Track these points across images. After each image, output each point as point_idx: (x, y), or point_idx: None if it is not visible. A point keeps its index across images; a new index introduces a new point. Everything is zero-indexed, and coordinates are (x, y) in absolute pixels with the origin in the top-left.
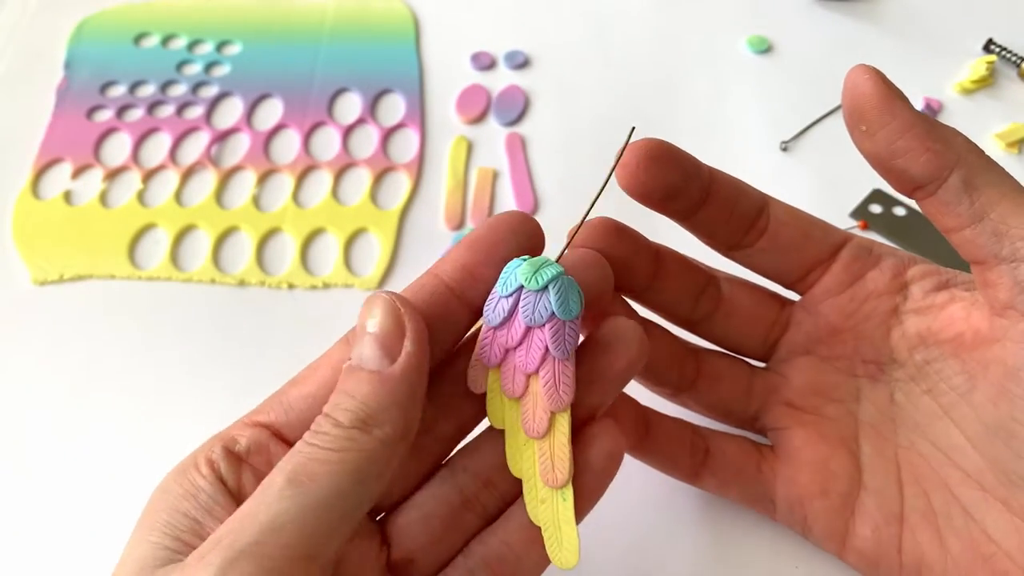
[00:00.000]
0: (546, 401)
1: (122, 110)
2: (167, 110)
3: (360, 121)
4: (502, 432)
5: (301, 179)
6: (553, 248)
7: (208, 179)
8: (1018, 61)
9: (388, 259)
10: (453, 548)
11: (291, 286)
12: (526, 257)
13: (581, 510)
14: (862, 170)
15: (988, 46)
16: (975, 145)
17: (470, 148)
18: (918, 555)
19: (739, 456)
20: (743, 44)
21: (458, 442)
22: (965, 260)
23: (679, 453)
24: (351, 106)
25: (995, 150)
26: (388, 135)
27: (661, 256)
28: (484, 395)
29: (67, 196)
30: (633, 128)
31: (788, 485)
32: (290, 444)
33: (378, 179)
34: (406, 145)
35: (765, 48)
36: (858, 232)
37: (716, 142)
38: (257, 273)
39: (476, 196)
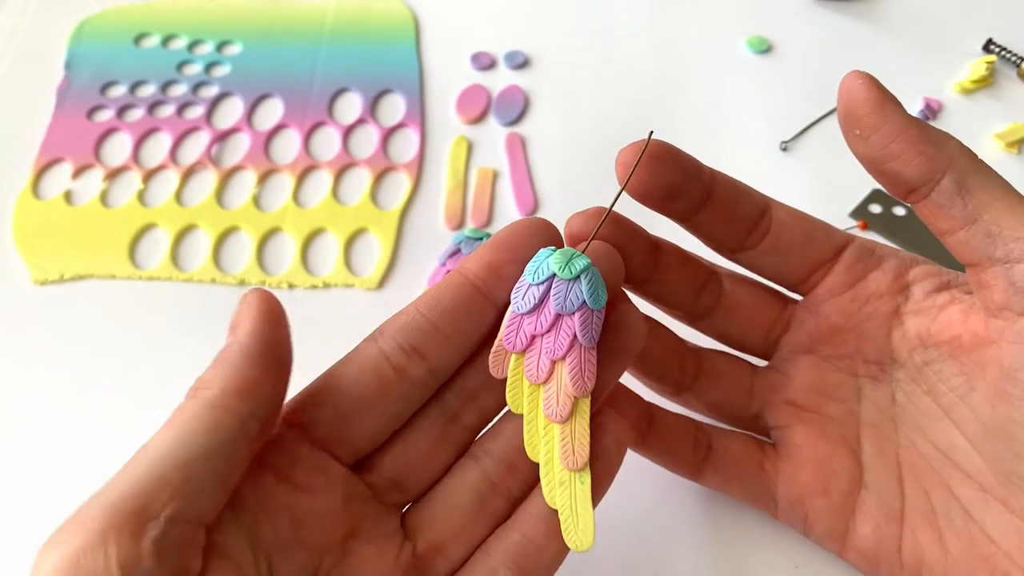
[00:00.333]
0: (571, 387)
1: (122, 110)
2: (167, 110)
3: (360, 121)
4: (521, 418)
5: (301, 179)
6: None
7: (208, 179)
8: (1018, 61)
9: (388, 259)
10: (481, 535)
11: (291, 286)
12: (552, 248)
13: (596, 494)
14: (862, 170)
15: (988, 46)
16: (967, 148)
17: (470, 148)
18: (918, 554)
19: (742, 453)
20: (743, 44)
21: (480, 430)
22: (960, 263)
23: (682, 449)
24: (351, 106)
25: (995, 150)
26: (388, 135)
27: (661, 248)
28: (504, 383)
29: (67, 196)
30: (652, 132)
31: (789, 483)
32: (318, 441)
33: (378, 179)
34: (406, 145)
35: (765, 48)
36: (858, 232)
37: (716, 142)
38: (257, 273)
39: (476, 196)
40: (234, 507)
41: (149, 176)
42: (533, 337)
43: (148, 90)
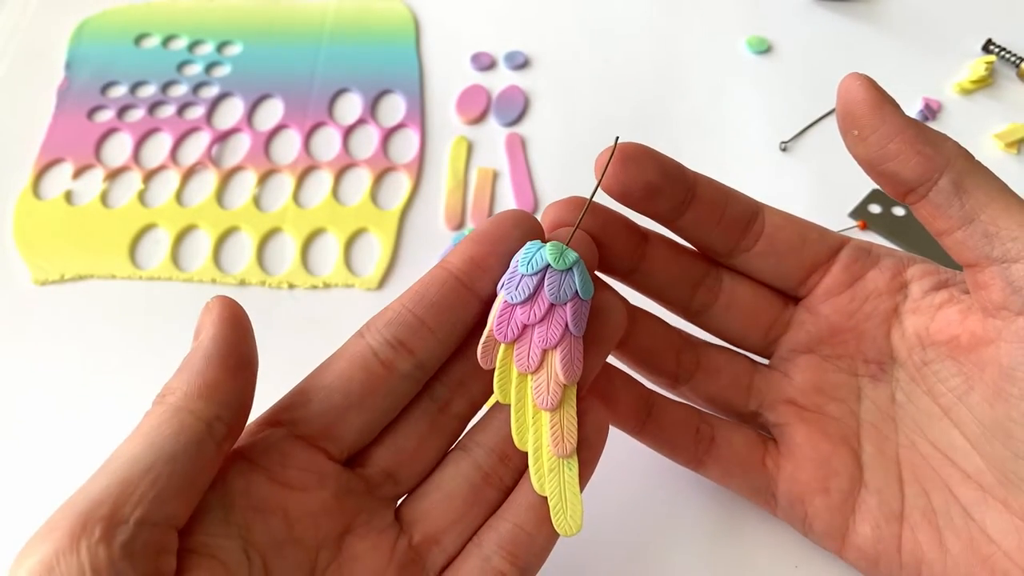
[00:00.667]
0: (563, 375)
1: (123, 110)
2: (168, 110)
3: (360, 121)
4: (508, 408)
5: (301, 179)
6: None
7: (209, 179)
8: (1017, 61)
9: (388, 259)
10: (475, 525)
11: (291, 286)
12: (539, 241)
13: (582, 480)
14: (861, 170)
15: (987, 46)
16: (964, 149)
17: (470, 148)
18: (918, 554)
19: (744, 447)
20: (743, 44)
21: (469, 419)
22: (958, 263)
23: (683, 438)
24: (351, 106)
25: (994, 150)
26: (388, 135)
27: (648, 239)
28: (491, 372)
29: (68, 196)
30: (617, 138)
31: (790, 481)
32: (308, 438)
33: (378, 179)
34: (406, 145)
35: (765, 48)
36: (856, 233)
37: (716, 142)
38: (258, 273)
39: (476, 196)
40: (224, 508)
41: (149, 176)
42: (525, 327)
43: (148, 90)
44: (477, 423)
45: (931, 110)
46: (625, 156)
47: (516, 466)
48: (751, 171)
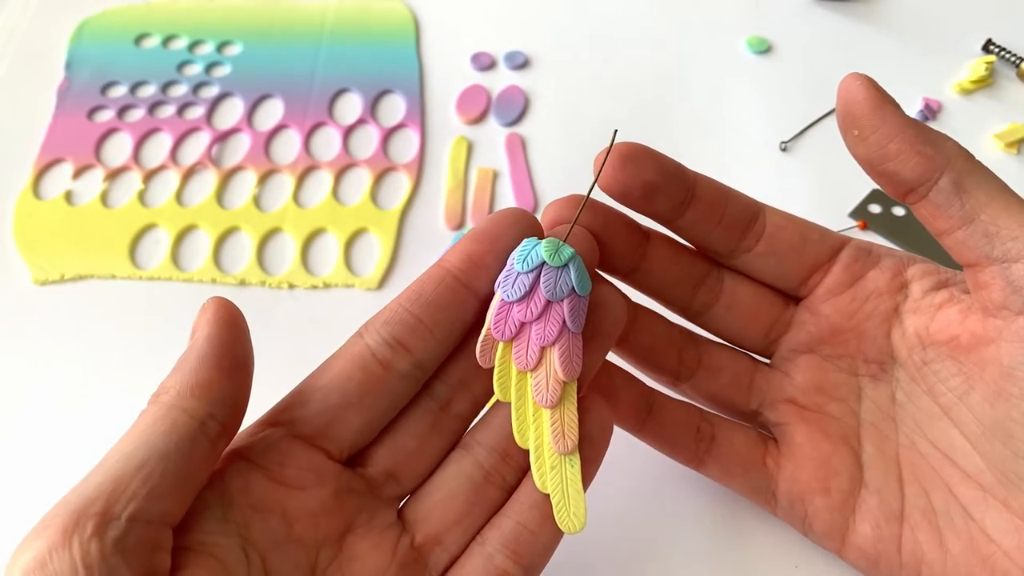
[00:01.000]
0: (561, 372)
1: (123, 110)
2: (168, 110)
3: (360, 121)
4: (509, 406)
5: (301, 179)
6: None
7: (209, 179)
8: (1017, 61)
9: (388, 259)
10: (478, 524)
11: (291, 286)
12: (535, 239)
13: (586, 478)
14: (861, 170)
15: (987, 46)
16: (964, 149)
17: (470, 148)
18: (918, 554)
19: (745, 446)
20: (743, 44)
21: (472, 419)
22: (958, 263)
23: (684, 437)
24: (351, 106)
25: (994, 150)
26: (388, 135)
27: (651, 238)
28: (491, 371)
29: (68, 196)
30: (616, 131)
31: (790, 481)
32: (307, 437)
33: (378, 179)
34: (406, 145)
35: (765, 48)
36: (857, 233)
37: (716, 142)
38: (258, 273)
39: (476, 196)
40: (223, 507)
41: (149, 176)
42: (522, 325)
43: (148, 90)
44: (478, 422)
45: (931, 110)
46: (625, 156)
47: (518, 464)
48: (751, 171)
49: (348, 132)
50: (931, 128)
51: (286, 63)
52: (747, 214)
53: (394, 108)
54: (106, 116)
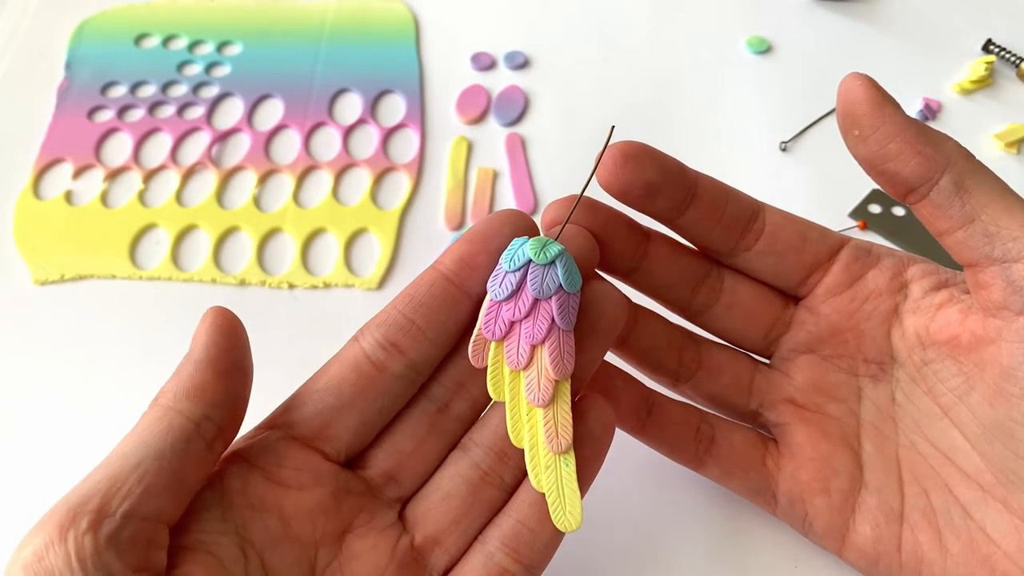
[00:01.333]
0: (552, 370)
1: (123, 110)
2: (168, 110)
3: (360, 121)
4: (504, 406)
5: (302, 179)
6: None
7: (209, 179)
8: (1017, 61)
9: (388, 259)
10: (477, 524)
11: (291, 286)
12: (525, 237)
13: (586, 478)
14: (861, 170)
15: (987, 46)
16: (965, 149)
17: (470, 148)
18: (918, 554)
19: (745, 447)
20: (743, 44)
21: (471, 420)
22: (958, 263)
23: (683, 438)
24: (351, 106)
25: (994, 150)
26: (388, 135)
27: (651, 238)
28: (485, 371)
29: (68, 196)
30: (613, 127)
31: (790, 481)
32: (304, 439)
33: (378, 179)
34: (406, 145)
35: (765, 48)
36: (857, 233)
37: (716, 142)
38: (258, 273)
39: (476, 196)
40: (222, 507)
41: (149, 176)
42: (512, 324)
43: (148, 90)
44: (475, 423)
45: (931, 110)
46: (626, 155)
47: (516, 464)
48: (751, 171)
49: (348, 132)
50: (932, 128)
51: (286, 63)
52: (747, 213)
53: (394, 108)
54: (106, 116)
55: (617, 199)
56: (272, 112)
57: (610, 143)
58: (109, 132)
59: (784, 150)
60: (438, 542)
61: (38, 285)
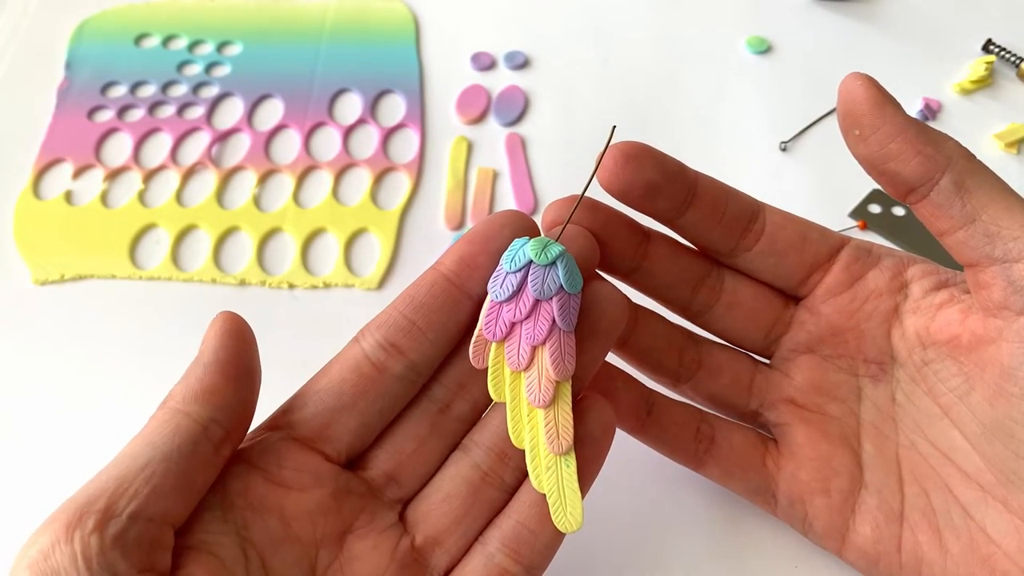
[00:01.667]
0: (552, 371)
1: (123, 110)
2: (168, 110)
3: (360, 121)
4: (505, 407)
5: (301, 179)
6: None
7: (209, 179)
8: (1017, 61)
9: (388, 259)
10: (478, 525)
11: (291, 286)
12: (526, 238)
13: (587, 478)
14: (861, 170)
15: (987, 46)
16: (965, 149)
17: (470, 148)
18: (918, 554)
19: (745, 447)
20: (743, 44)
21: (472, 421)
22: (959, 263)
23: (683, 438)
24: (351, 106)
25: (994, 150)
26: (388, 135)
27: (651, 238)
28: (486, 371)
29: (68, 196)
30: (614, 127)
31: (790, 481)
32: (304, 440)
33: (378, 179)
34: (406, 145)
35: (765, 48)
36: (857, 233)
37: (716, 142)
38: (258, 273)
39: (476, 196)
40: (223, 508)
41: (149, 176)
42: (512, 324)
43: (148, 90)
44: (476, 424)
45: (931, 110)
46: (626, 155)
47: (517, 464)
48: (751, 171)
49: (348, 132)
50: (932, 128)
51: (286, 63)
52: (747, 213)
53: (394, 108)
54: (106, 116)
55: (617, 199)
56: (272, 112)
57: (611, 143)
58: (109, 132)
59: (784, 150)
60: (439, 543)
61: (38, 285)
